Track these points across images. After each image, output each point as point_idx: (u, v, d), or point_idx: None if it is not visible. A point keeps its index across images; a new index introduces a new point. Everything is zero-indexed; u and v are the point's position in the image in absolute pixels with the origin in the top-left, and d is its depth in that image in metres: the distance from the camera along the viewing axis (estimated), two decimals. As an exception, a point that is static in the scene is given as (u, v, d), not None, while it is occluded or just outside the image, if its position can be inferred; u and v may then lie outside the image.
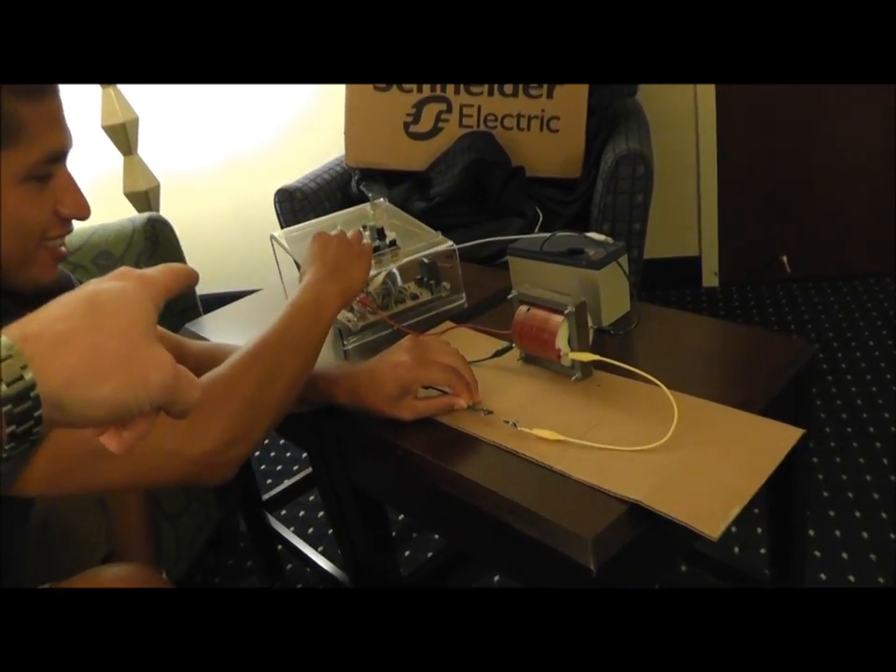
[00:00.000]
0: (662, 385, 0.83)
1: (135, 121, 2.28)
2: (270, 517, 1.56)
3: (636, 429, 0.81)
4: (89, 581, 0.74)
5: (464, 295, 1.21)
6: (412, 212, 1.69)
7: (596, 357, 0.88)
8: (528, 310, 0.94)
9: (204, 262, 2.68)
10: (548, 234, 1.08)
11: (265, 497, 1.61)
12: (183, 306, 1.58)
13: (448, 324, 1.13)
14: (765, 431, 0.79)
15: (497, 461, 0.82)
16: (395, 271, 1.16)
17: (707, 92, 2.21)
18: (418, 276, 1.23)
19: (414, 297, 1.20)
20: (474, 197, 1.66)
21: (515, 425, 0.84)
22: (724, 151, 2.28)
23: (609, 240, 1.05)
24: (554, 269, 1.05)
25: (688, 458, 0.76)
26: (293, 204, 1.80)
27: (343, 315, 1.16)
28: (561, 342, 0.90)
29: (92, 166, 2.54)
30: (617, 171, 1.53)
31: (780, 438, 0.78)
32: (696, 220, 2.37)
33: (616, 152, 1.54)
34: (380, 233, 1.20)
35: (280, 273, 1.31)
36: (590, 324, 0.92)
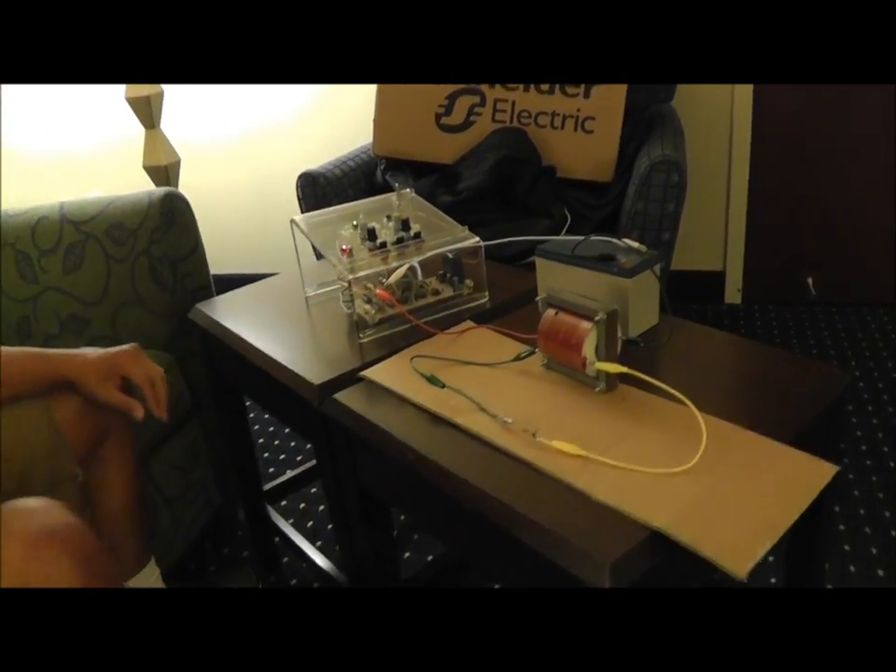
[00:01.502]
0: (690, 405, 0.79)
1: (160, 95, 2.25)
2: (269, 509, 1.53)
3: (661, 450, 0.77)
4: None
5: (487, 294, 1.17)
6: (437, 205, 1.65)
7: (624, 370, 0.84)
8: (556, 314, 0.90)
9: (223, 241, 2.65)
10: (580, 238, 1.04)
11: (267, 486, 1.57)
12: (195, 285, 1.54)
13: (468, 323, 1.09)
14: (798, 465, 0.74)
15: (512, 472, 0.78)
16: (416, 264, 1.12)
17: (743, 101, 2.15)
18: (441, 272, 1.18)
19: (436, 293, 1.16)
20: (501, 194, 1.62)
21: (535, 434, 0.80)
22: (757, 163, 2.22)
23: (643, 247, 1.00)
24: (583, 274, 1.01)
25: (715, 486, 0.72)
26: (316, 189, 1.76)
27: (361, 308, 1.12)
28: (588, 349, 0.85)
29: (115, 136, 2.52)
30: (650, 177, 1.48)
31: (814, 473, 0.73)
32: (723, 233, 2.32)
33: (651, 158, 1.50)
34: (404, 224, 1.16)
35: (298, 258, 1.28)
36: (619, 334, 0.87)
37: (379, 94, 1.78)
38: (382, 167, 1.84)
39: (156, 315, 1.51)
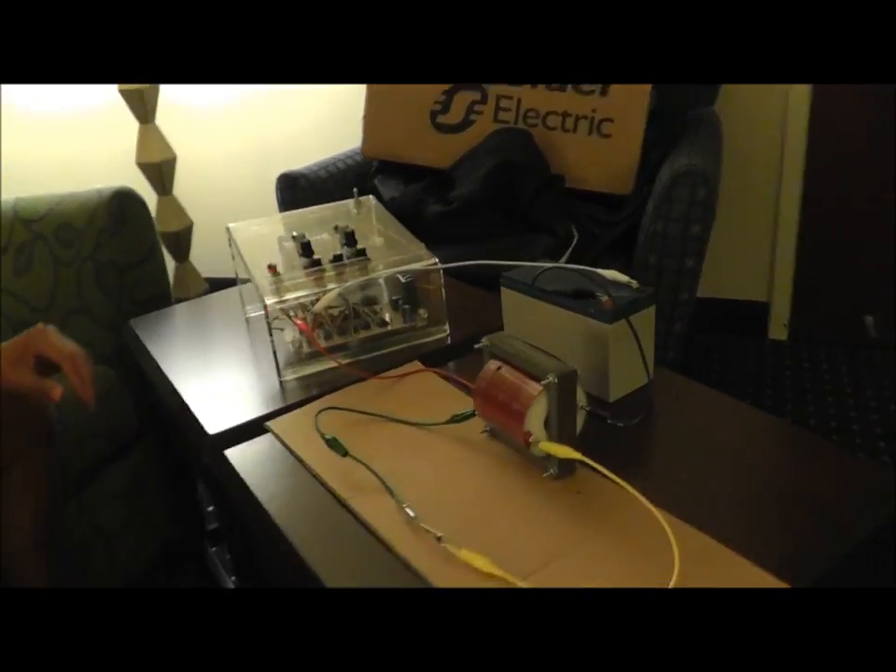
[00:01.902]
0: (660, 517, 0.56)
1: (155, 90, 2.10)
2: (210, 551, 1.34)
3: (615, 573, 0.54)
4: None
5: (447, 327, 0.95)
6: (425, 216, 1.44)
7: (576, 456, 0.61)
8: (499, 369, 0.68)
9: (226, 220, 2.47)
10: (549, 265, 0.81)
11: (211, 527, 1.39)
12: (147, 295, 1.37)
13: (414, 365, 0.87)
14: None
15: (396, 582, 0.56)
16: (351, 290, 0.91)
17: (798, 104, 1.87)
18: (395, 298, 0.97)
19: (383, 324, 0.95)
20: (500, 206, 1.40)
21: (440, 539, 0.58)
22: (811, 179, 1.94)
23: (634, 283, 0.77)
24: (553, 313, 0.78)
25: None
26: (296, 193, 1.57)
27: (292, 336, 0.92)
28: (533, 423, 0.63)
29: (109, 132, 2.37)
30: (672, 192, 1.24)
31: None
32: (769, 259, 2.04)
33: (673, 168, 1.25)
34: (349, 238, 0.96)
35: (236, 272, 1.08)
36: (581, 403, 0.65)
37: (369, 88, 1.58)
38: (373, 170, 1.64)
39: (102, 327, 1.34)
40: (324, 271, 0.92)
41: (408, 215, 1.38)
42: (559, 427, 0.63)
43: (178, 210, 2.24)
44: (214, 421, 0.83)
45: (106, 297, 1.34)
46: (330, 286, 0.89)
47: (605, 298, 0.74)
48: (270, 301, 0.85)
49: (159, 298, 1.41)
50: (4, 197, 1.47)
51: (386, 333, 0.94)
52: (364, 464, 0.68)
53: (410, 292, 0.95)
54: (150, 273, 1.39)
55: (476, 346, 0.71)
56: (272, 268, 0.91)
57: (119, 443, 1.33)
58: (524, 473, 0.66)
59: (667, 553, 0.55)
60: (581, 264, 1.31)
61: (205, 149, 2.41)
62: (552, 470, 0.65)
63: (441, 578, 0.55)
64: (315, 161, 1.65)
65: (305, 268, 0.93)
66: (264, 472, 0.73)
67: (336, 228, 0.99)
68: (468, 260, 0.90)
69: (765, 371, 1.95)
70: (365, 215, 1.09)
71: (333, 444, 0.70)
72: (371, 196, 1.11)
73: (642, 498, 0.56)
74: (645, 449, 0.70)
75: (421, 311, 0.95)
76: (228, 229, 1.05)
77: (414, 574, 0.56)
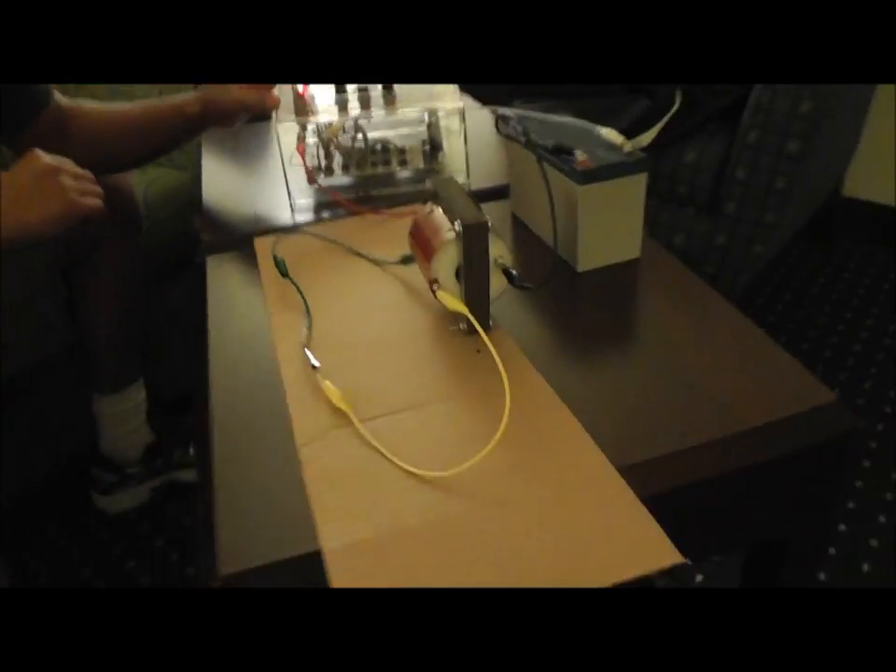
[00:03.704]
0: (504, 373, 0.52)
1: None
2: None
3: (448, 433, 0.53)
4: None
5: (467, 175, 0.91)
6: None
7: (461, 309, 0.58)
8: (430, 213, 0.64)
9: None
10: (537, 115, 0.73)
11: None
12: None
13: (418, 206, 0.85)
14: (635, 531, 0.46)
15: (267, 401, 0.58)
16: (365, 120, 0.88)
17: None
18: (424, 139, 0.93)
19: (403, 163, 0.92)
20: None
21: (314, 366, 0.59)
22: None
23: (627, 145, 0.68)
24: (537, 167, 0.72)
25: (475, 517, 0.47)
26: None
27: (315, 161, 0.91)
28: (441, 271, 0.60)
29: None
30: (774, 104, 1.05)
31: (650, 550, 0.45)
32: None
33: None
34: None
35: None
36: (499, 259, 0.60)
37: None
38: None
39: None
40: (346, 100, 0.89)
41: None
42: (467, 280, 0.59)
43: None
44: (213, 228, 0.87)
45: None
46: (347, 115, 0.87)
47: (582, 157, 0.66)
48: (281, 122, 0.85)
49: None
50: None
51: (401, 173, 0.92)
52: (296, 285, 0.69)
53: (433, 134, 0.91)
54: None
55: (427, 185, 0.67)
56: (301, 93, 0.90)
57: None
58: (436, 323, 0.64)
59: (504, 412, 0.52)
60: (677, 134, 1.18)
61: None
62: (461, 325, 0.62)
63: (297, 401, 0.57)
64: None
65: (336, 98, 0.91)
66: (227, 281, 0.77)
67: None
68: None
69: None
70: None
71: (278, 264, 0.72)
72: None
73: (498, 360, 0.52)
74: (572, 321, 0.65)
75: (441, 154, 0.91)
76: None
77: (283, 397, 0.58)
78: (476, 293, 0.60)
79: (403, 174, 0.93)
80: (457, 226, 0.57)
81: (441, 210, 0.63)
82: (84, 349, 1.12)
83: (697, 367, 0.58)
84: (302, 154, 0.85)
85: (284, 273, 0.71)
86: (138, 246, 1.10)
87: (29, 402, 1.14)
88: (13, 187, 0.73)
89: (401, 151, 0.94)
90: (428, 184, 0.66)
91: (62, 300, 1.08)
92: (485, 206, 0.88)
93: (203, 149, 1.11)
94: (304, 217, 0.87)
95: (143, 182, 1.29)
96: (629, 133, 1.22)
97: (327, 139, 0.88)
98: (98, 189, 0.78)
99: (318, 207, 0.89)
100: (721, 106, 1.19)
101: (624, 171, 0.66)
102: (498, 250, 0.60)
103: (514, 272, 0.60)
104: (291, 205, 0.90)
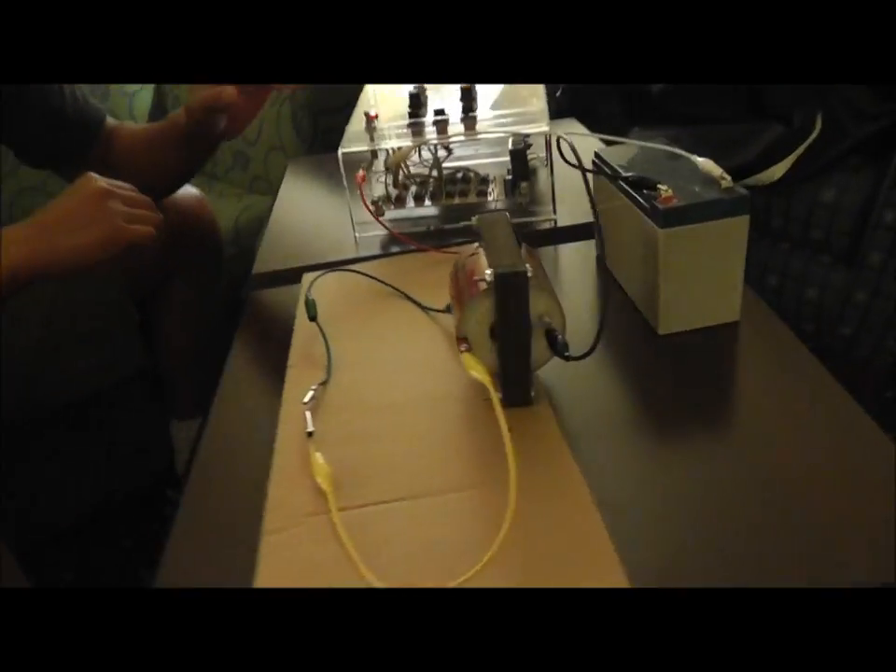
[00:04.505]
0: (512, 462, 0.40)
1: None
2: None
3: (447, 533, 0.41)
4: None
5: (553, 210, 0.79)
6: (648, 89, 1.20)
7: (484, 380, 0.46)
8: (474, 254, 0.53)
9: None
10: (621, 141, 0.61)
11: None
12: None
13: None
14: None
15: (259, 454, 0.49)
16: (446, 149, 0.79)
17: None
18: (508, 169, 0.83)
19: (481, 194, 0.82)
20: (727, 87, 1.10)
21: (310, 433, 0.49)
22: None
23: (727, 179, 0.54)
24: (621, 202, 0.59)
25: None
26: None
27: (382, 190, 0.84)
28: (472, 326, 0.49)
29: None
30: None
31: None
32: None
33: None
34: (465, 95, 0.82)
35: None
36: (544, 317, 0.48)
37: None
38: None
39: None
40: (421, 124, 0.81)
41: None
42: (501, 342, 0.48)
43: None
44: (272, 260, 0.82)
45: (299, 137, 1.38)
46: (419, 139, 0.79)
47: (666, 192, 0.53)
48: (344, 148, 0.78)
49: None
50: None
51: (480, 205, 0.82)
52: (322, 331, 0.61)
53: (517, 162, 0.81)
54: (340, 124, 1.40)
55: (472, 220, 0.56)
56: (369, 116, 0.83)
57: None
58: (471, 389, 0.53)
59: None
60: (815, 168, 1.00)
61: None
62: (493, 394, 0.50)
63: (282, 472, 0.48)
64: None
65: (408, 121, 0.83)
66: (262, 321, 0.70)
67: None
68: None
69: None
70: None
71: (308, 305, 0.64)
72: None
73: (509, 445, 0.40)
74: (647, 397, 0.51)
75: (524, 185, 0.80)
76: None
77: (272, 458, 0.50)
78: (512, 358, 0.48)
79: (483, 205, 0.83)
80: (489, 274, 0.46)
81: (478, 256, 0.52)
82: (160, 375, 1.11)
83: (800, 474, 0.43)
84: (362, 183, 0.77)
85: (311, 317, 0.62)
86: (218, 273, 1.07)
87: (105, 424, 1.14)
88: (60, 210, 0.69)
89: (482, 181, 0.84)
90: (475, 220, 0.56)
91: (136, 324, 1.07)
92: (571, 247, 0.77)
93: (285, 176, 1.07)
94: (369, 251, 0.80)
95: (237, 209, 1.28)
96: (759, 166, 1.05)
97: (395, 167, 0.80)
98: (152, 215, 0.73)
99: (386, 242, 0.81)
100: (868, 135, 0.99)
101: (720, 212, 0.53)
102: (544, 307, 0.48)
103: (560, 335, 0.48)
104: (355, 239, 0.82)
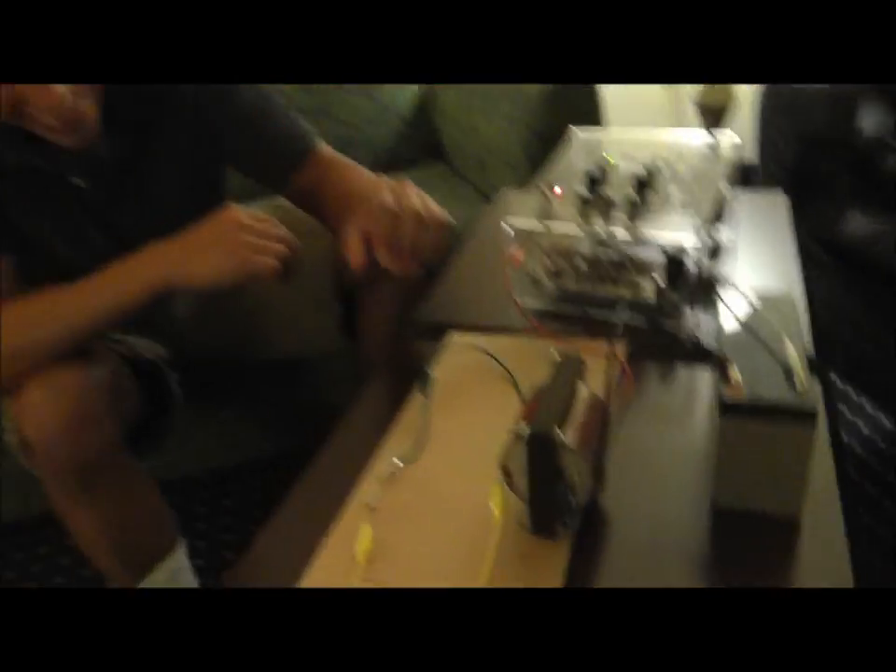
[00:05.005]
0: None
1: None
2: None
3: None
4: None
5: (690, 327, 0.80)
6: (886, 167, 1.07)
7: (495, 522, 0.53)
8: (542, 387, 0.60)
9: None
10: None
11: None
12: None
13: (614, 347, 0.77)
14: None
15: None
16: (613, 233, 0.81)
17: None
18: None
19: (633, 286, 0.84)
20: None
21: (372, 508, 0.61)
22: None
23: (804, 381, 0.53)
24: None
25: None
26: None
27: (541, 265, 0.87)
28: (512, 460, 0.56)
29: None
30: None
31: None
32: None
33: None
34: (639, 183, 0.84)
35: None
36: (576, 476, 0.53)
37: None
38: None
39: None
40: (588, 209, 0.84)
41: (859, 160, 1.06)
42: (529, 495, 0.55)
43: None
44: (431, 309, 0.92)
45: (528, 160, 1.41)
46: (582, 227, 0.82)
47: (735, 377, 0.54)
48: (512, 222, 0.85)
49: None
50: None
51: (631, 299, 0.84)
52: (424, 404, 0.71)
53: (672, 268, 0.81)
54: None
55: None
56: (555, 191, 0.88)
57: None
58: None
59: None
60: None
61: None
62: (495, 532, 0.57)
63: (338, 534, 0.60)
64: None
65: (582, 200, 0.86)
66: (392, 375, 0.81)
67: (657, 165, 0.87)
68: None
69: None
70: (724, 156, 0.91)
71: (421, 376, 0.73)
72: (732, 135, 0.91)
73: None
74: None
75: (673, 294, 0.80)
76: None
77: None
78: (537, 500, 0.55)
79: (635, 300, 0.84)
80: (521, 428, 0.53)
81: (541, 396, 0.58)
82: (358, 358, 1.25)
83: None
84: (516, 263, 0.84)
85: (421, 387, 0.73)
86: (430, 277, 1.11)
87: (299, 386, 1.34)
88: (198, 235, 0.79)
89: (640, 269, 0.86)
90: (552, 354, 0.61)
91: (338, 313, 1.20)
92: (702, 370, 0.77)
93: (489, 208, 1.15)
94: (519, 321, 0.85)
95: (468, 214, 1.37)
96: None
97: (555, 253, 0.85)
98: (281, 249, 0.79)
99: (545, 315, 0.86)
100: None
101: (784, 418, 0.53)
102: (573, 468, 0.54)
103: (574, 501, 0.53)
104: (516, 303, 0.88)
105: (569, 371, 0.60)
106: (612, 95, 1.50)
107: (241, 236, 0.76)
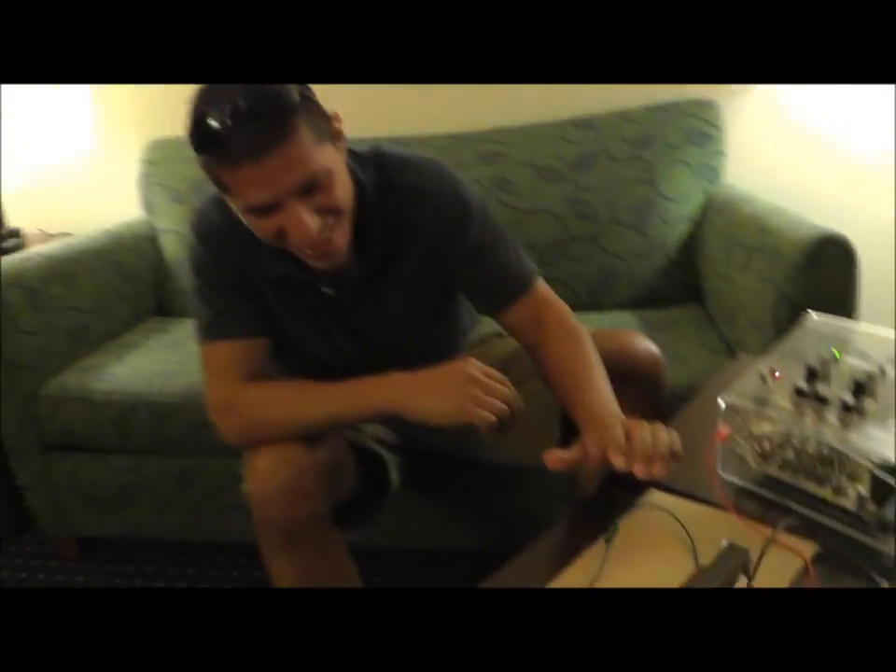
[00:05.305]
0: None
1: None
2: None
3: None
4: None
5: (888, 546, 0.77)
6: None
7: None
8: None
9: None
10: None
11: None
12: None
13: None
14: None
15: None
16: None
17: None
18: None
19: (840, 492, 0.83)
20: None
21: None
22: None
23: (875, 512, 0.57)
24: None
25: None
26: None
27: (749, 445, 0.89)
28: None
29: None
30: None
31: None
32: None
33: None
34: (857, 387, 0.84)
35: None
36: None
37: None
38: None
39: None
40: (803, 405, 0.86)
41: None
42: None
43: None
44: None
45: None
46: (807, 424, 0.84)
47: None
48: (728, 398, 0.88)
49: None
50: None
51: (823, 501, 0.83)
52: (602, 555, 0.78)
53: (878, 485, 0.79)
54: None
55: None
56: (773, 372, 0.90)
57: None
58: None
59: None
60: None
61: None
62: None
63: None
64: None
65: (797, 390, 0.87)
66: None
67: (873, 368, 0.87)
68: None
69: None
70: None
71: (609, 532, 0.81)
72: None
73: None
74: None
75: (876, 509, 0.79)
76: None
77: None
78: None
79: (835, 503, 0.83)
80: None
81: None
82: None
83: None
84: (721, 435, 0.87)
85: (607, 536, 0.80)
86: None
87: None
88: (433, 377, 0.90)
89: (850, 475, 0.85)
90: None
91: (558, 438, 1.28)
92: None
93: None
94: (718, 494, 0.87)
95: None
96: None
97: (760, 432, 0.88)
98: (501, 407, 0.87)
99: (744, 493, 0.88)
100: None
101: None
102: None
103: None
104: (722, 481, 0.90)
105: (731, 561, 0.65)
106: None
107: (469, 388, 0.86)
